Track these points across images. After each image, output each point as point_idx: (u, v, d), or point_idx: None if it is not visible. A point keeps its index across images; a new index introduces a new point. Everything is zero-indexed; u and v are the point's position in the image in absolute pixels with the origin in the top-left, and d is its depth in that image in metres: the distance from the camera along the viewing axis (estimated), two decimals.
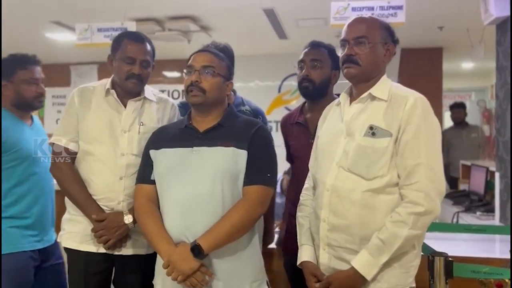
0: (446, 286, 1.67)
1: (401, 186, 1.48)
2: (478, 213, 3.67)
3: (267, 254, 2.14)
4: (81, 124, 1.86)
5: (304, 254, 1.62)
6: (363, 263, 1.46)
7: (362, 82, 1.58)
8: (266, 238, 2.18)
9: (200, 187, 1.55)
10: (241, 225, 1.53)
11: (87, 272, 1.83)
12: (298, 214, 1.71)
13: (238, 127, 1.64)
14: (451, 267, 1.67)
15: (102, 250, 1.81)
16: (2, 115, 2.04)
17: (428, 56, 6.28)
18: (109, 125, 1.84)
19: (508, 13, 2.99)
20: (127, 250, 1.84)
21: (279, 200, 2.87)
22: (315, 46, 2.02)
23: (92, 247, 1.82)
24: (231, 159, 1.57)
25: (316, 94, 1.99)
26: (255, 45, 5.94)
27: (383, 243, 1.44)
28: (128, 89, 1.86)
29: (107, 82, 1.92)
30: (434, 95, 6.02)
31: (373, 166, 1.48)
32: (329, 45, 2.04)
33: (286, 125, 2.13)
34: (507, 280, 1.74)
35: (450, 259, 1.68)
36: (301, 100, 2.13)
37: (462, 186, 4.89)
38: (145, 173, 1.68)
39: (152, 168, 1.66)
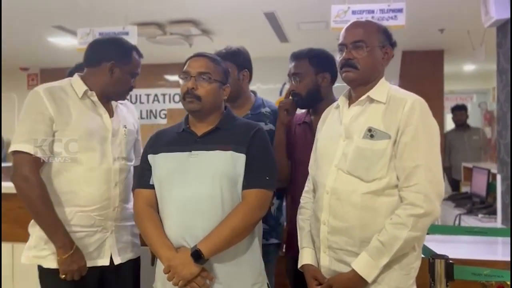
0: None
1: (401, 188, 1.48)
2: (480, 215, 3.67)
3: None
4: (63, 131, 1.70)
5: (305, 257, 1.62)
6: (364, 265, 1.46)
7: (361, 85, 1.58)
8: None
9: (199, 191, 1.55)
10: (240, 229, 1.53)
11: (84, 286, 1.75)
12: (299, 217, 1.71)
13: (236, 131, 1.64)
14: (452, 269, 1.67)
15: (91, 264, 1.75)
16: None
17: (430, 58, 6.29)
18: (96, 131, 1.76)
19: (509, 16, 2.98)
20: (116, 259, 1.80)
21: None
22: (294, 58, 2.02)
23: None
24: (229, 163, 1.57)
25: (308, 103, 2.00)
26: (256, 48, 5.91)
27: (383, 245, 1.44)
28: (119, 98, 1.87)
29: (72, 82, 1.79)
30: (435, 97, 6.02)
31: (372, 168, 1.49)
32: (309, 51, 2.02)
33: (292, 125, 2.12)
34: (508, 282, 1.74)
35: (450, 261, 1.68)
36: None
37: (464, 189, 4.89)
38: (144, 178, 1.67)
39: (151, 173, 1.65)
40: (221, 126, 1.65)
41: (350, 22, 1.64)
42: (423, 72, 6.17)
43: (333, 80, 2.02)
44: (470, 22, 4.13)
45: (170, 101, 4.82)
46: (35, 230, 1.77)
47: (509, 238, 2.31)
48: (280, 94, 6.61)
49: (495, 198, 3.36)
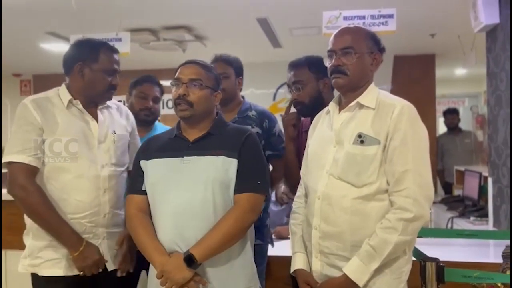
0: None
1: (390, 192, 1.50)
2: (472, 218, 3.69)
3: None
4: (51, 141, 1.72)
5: (298, 262, 1.64)
6: (355, 269, 1.47)
7: (350, 91, 1.60)
8: None
9: (192, 196, 1.56)
10: (233, 234, 1.54)
11: None
12: (291, 221, 1.73)
13: (228, 136, 1.65)
14: (443, 272, 1.68)
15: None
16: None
17: (421, 62, 6.32)
18: (83, 138, 1.77)
19: (498, 21, 3.03)
20: (109, 265, 1.80)
21: (274, 208, 2.88)
22: (293, 67, 2.02)
23: (76, 270, 1.74)
24: (221, 168, 1.58)
25: (311, 111, 1.96)
26: (249, 54, 5.96)
27: (373, 249, 1.46)
28: (103, 100, 1.85)
29: (59, 92, 1.82)
30: (427, 102, 6.06)
31: (362, 174, 1.50)
32: (307, 59, 2.02)
33: (298, 133, 2.10)
34: (499, 284, 1.76)
35: (441, 264, 1.69)
36: None
37: (457, 192, 4.92)
38: (136, 183, 1.68)
39: (143, 179, 1.66)
40: (213, 131, 1.66)
41: (339, 29, 1.66)
42: (415, 77, 6.20)
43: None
44: (461, 27, 4.17)
45: (163, 107, 4.83)
46: (28, 239, 1.78)
47: (499, 241, 2.33)
48: (274, 99, 6.64)
49: (487, 201, 3.39)
